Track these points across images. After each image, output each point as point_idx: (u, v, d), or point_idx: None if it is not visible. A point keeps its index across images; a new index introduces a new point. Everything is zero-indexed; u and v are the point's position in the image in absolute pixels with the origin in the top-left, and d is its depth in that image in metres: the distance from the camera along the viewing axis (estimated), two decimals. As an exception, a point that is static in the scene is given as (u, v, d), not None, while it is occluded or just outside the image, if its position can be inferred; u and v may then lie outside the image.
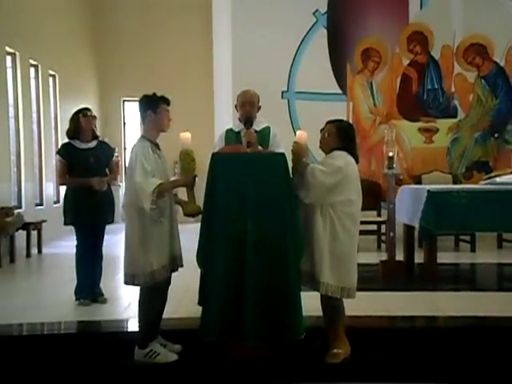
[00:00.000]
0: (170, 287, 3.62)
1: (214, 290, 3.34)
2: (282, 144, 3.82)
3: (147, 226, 3.41)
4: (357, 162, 3.56)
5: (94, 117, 4.87)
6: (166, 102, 3.58)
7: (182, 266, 3.62)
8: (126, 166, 3.69)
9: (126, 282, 3.54)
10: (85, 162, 4.67)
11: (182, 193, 3.62)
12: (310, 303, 3.52)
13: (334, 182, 3.39)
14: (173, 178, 3.67)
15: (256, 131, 3.76)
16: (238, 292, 3.31)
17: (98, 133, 5.06)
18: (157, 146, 3.60)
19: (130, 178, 3.45)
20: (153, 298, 3.50)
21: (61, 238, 8.12)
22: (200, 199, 3.44)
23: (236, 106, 3.95)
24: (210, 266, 3.38)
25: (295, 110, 8.50)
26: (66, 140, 4.83)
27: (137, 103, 3.68)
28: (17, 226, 7.14)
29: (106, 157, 4.89)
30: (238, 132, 3.87)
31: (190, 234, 3.41)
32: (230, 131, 3.96)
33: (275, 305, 3.33)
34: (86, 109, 4.85)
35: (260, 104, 3.92)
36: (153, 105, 3.54)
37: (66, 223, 4.78)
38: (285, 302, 3.35)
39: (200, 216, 3.47)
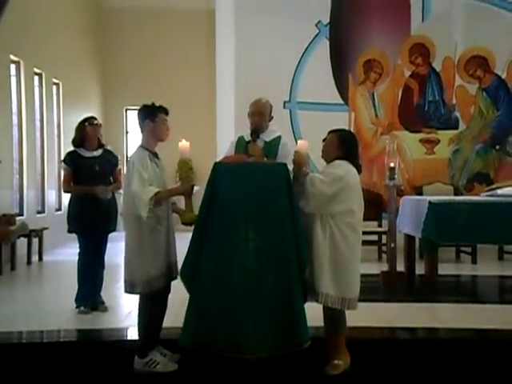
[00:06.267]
0: (169, 296, 3.61)
1: (212, 301, 3.28)
2: (290, 155, 3.67)
3: (144, 234, 3.42)
4: (359, 171, 3.54)
5: (100, 125, 4.89)
6: (165, 111, 3.58)
7: (177, 273, 3.60)
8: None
9: (126, 291, 3.54)
10: (90, 170, 4.69)
11: (181, 202, 3.63)
12: (309, 313, 3.50)
13: (334, 191, 3.38)
14: (170, 187, 3.67)
15: (265, 142, 3.73)
16: (239, 302, 3.26)
17: (102, 141, 5.08)
18: (155, 155, 3.60)
19: (127, 186, 3.46)
20: (152, 306, 3.50)
21: (62, 245, 8.12)
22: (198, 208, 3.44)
23: (248, 115, 3.88)
24: (208, 277, 3.32)
25: (297, 120, 8.52)
26: (72, 148, 4.85)
27: (139, 112, 3.69)
28: (21, 233, 7.14)
29: (111, 165, 4.90)
30: (248, 141, 3.81)
31: (187, 244, 3.41)
32: (241, 138, 3.88)
33: (279, 313, 3.28)
34: (92, 117, 4.88)
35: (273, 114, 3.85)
36: (151, 114, 3.54)
37: (69, 230, 4.81)
38: (288, 311, 3.30)
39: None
